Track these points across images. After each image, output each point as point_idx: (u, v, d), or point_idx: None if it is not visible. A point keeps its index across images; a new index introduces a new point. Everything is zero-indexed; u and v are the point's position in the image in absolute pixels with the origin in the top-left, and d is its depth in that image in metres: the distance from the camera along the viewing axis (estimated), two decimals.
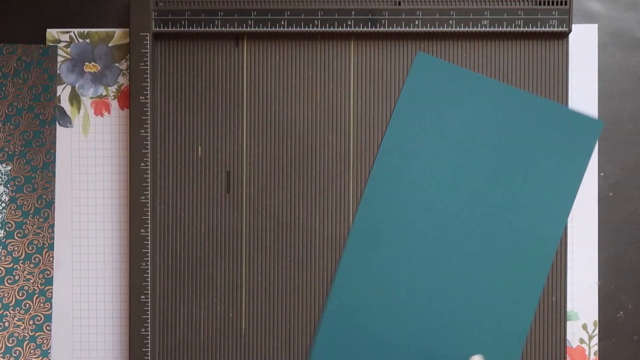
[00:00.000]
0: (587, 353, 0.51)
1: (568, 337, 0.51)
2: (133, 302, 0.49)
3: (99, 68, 0.52)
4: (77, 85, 0.52)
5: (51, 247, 0.51)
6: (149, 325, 0.49)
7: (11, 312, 0.50)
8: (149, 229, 0.49)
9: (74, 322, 0.51)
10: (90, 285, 0.51)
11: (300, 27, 0.49)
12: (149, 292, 0.49)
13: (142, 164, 0.50)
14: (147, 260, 0.49)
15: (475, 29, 0.49)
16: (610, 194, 0.51)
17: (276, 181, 0.51)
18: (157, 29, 0.50)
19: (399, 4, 0.49)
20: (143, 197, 0.49)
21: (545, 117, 0.49)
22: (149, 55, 0.49)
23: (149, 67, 0.49)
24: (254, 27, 0.49)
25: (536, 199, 0.48)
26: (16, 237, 0.51)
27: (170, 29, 0.50)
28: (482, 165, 0.49)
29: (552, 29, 0.49)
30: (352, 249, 0.50)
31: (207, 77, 0.51)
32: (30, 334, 0.50)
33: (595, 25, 0.51)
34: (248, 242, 0.51)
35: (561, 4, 0.49)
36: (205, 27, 0.50)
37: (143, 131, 0.49)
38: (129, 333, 0.49)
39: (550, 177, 0.49)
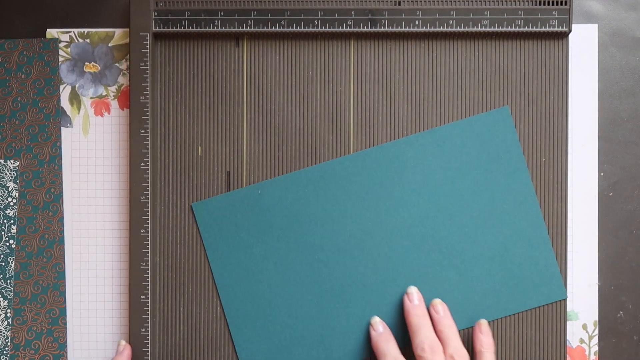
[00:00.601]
0: (587, 353, 0.51)
1: (568, 337, 0.51)
2: (133, 302, 0.49)
3: (99, 68, 0.52)
4: (77, 85, 0.52)
5: (62, 240, 0.51)
6: (149, 325, 0.49)
7: (28, 306, 0.51)
8: (149, 229, 0.49)
9: (74, 322, 0.51)
10: (90, 285, 0.51)
11: (300, 27, 0.49)
12: (149, 292, 0.49)
13: (142, 164, 0.50)
14: (147, 260, 0.49)
15: (475, 29, 0.49)
16: (610, 194, 0.51)
17: None
18: (157, 29, 0.50)
19: (399, 4, 0.49)
20: (143, 197, 0.49)
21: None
22: (149, 55, 0.49)
23: (149, 67, 0.49)
24: (254, 27, 0.49)
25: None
26: (28, 232, 0.51)
27: (170, 29, 0.50)
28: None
29: (552, 29, 0.49)
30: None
31: (207, 77, 0.51)
32: (47, 327, 0.51)
33: (595, 25, 0.51)
34: None
35: (561, 4, 0.49)
36: (205, 27, 0.49)
37: (143, 131, 0.49)
38: (129, 333, 0.49)
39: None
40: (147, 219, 0.49)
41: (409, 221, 0.50)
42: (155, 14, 0.50)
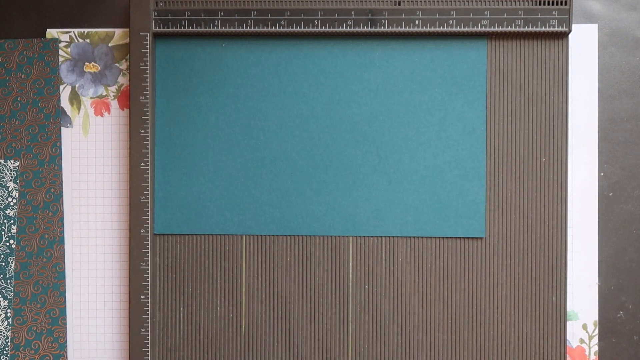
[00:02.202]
0: (587, 353, 0.51)
1: (568, 337, 0.51)
2: (133, 302, 0.49)
3: (99, 68, 0.52)
4: (77, 85, 0.52)
5: (62, 241, 0.51)
6: (149, 325, 0.49)
7: (28, 306, 0.51)
8: (148, 230, 0.49)
9: (74, 322, 0.51)
10: (90, 285, 0.51)
11: (300, 27, 0.49)
12: (149, 292, 0.49)
13: (142, 164, 0.50)
14: (147, 260, 0.50)
15: (475, 29, 0.49)
16: (610, 194, 0.51)
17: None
18: (157, 29, 0.50)
19: (399, 4, 0.49)
20: (143, 197, 0.50)
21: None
22: (149, 55, 0.49)
23: (149, 67, 0.49)
24: (254, 27, 0.49)
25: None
26: (28, 232, 0.51)
27: (170, 29, 0.50)
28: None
29: (552, 29, 0.49)
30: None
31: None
32: (47, 327, 0.51)
33: (595, 25, 0.51)
34: (248, 242, 0.51)
35: (561, 4, 0.49)
36: (205, 27, 0.50)
37: (143, 131, 0.49)
38: (129, 333, 0.49)
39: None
40: (147, 219, 0.49)
41: (357, 117, 0.50)
42: (155, 14, 0.50)
